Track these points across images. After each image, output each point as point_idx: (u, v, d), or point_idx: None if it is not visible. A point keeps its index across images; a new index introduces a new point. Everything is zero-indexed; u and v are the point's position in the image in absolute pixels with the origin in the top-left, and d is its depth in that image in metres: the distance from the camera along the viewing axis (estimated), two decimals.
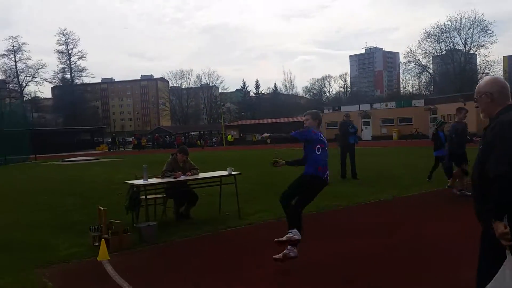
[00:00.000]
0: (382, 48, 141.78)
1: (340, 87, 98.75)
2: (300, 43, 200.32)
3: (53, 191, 12.21)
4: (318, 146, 4.64)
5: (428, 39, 59.40)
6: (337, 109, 49.03)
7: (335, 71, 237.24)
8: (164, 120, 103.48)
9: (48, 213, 8.68)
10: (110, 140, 59.43)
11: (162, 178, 7.00)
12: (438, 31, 58.86)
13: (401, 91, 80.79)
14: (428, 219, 6.83)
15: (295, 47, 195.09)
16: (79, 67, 77.70)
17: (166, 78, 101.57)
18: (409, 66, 62.66)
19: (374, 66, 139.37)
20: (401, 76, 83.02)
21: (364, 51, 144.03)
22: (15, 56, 71.48)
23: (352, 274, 4.32)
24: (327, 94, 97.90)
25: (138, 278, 4.56)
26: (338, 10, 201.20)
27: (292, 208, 4.66)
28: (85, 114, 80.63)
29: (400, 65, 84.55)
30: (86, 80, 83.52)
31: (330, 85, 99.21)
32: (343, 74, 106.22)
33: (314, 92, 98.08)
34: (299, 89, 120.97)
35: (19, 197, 11.39)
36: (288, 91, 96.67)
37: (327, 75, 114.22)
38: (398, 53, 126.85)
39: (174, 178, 6.95)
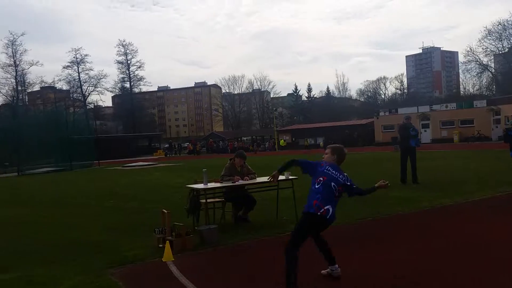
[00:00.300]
0: (440, 48, 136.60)
1: (396, 88, 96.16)
2: (354, 45, 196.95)
3: (117, 195, 12.82)
4: (320, 178, 4.21)
5: (489, 37, 56.95)
6: (394, 112, 47.84)
7: (391, 72, 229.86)
8: (217, 126, 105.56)
9: (113, 216, 9.13)
10: (166, 145, 61.55)
11: (221, 182, 7.19)
12: (500, 28, 56.28)
13: (461, 92, 77.61)
14: (493, 226, 6.52)
15: (348, 49, 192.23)
16: (138, 76, 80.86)
17: (219, 84, 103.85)
18: (469, 66, 60.31)
19: (432, 66, 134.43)
20: (460, 76, 79.85)
21: (421, 51, 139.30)
22: (78, 67, 74.98)
23: (418, 277, 4.23)
24: (383, 96, 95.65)
25: (201, 278, 4.71)
26: (394, 10, 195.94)
27: (285, 251, 4.10)
28: (143, 121, 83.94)
29: (459, 64, 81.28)
30: (144, 88, 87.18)
31: (385, 87, 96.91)
32: (399, 75, 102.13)
33: (369, 94, 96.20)
34: (352, 92, 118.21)
35: (86, 201, 12.05)
36: (341, 94, 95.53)
37: (382, 77, 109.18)
38: (457, 52, 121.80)
39: (232, 182, 7.11)
